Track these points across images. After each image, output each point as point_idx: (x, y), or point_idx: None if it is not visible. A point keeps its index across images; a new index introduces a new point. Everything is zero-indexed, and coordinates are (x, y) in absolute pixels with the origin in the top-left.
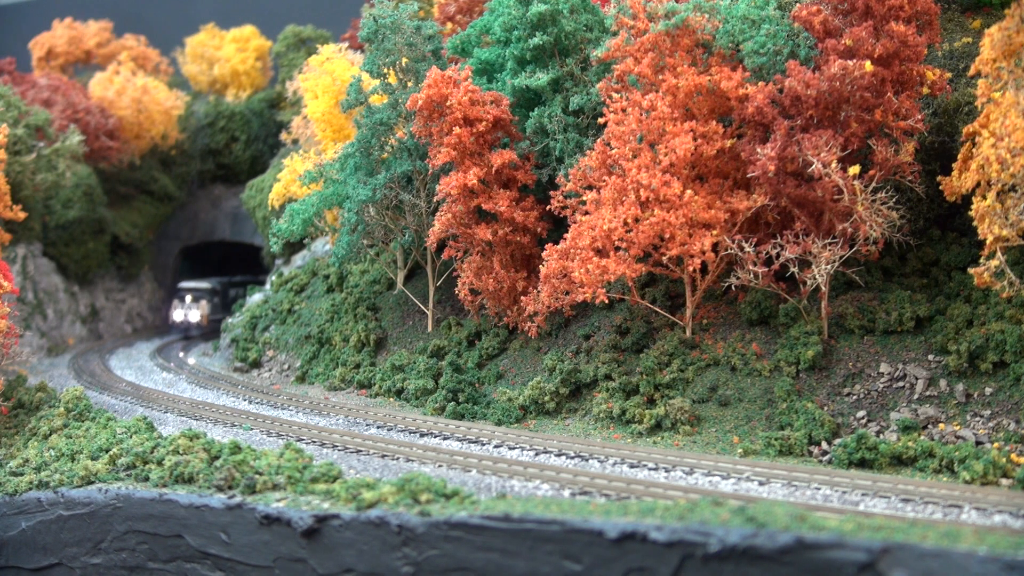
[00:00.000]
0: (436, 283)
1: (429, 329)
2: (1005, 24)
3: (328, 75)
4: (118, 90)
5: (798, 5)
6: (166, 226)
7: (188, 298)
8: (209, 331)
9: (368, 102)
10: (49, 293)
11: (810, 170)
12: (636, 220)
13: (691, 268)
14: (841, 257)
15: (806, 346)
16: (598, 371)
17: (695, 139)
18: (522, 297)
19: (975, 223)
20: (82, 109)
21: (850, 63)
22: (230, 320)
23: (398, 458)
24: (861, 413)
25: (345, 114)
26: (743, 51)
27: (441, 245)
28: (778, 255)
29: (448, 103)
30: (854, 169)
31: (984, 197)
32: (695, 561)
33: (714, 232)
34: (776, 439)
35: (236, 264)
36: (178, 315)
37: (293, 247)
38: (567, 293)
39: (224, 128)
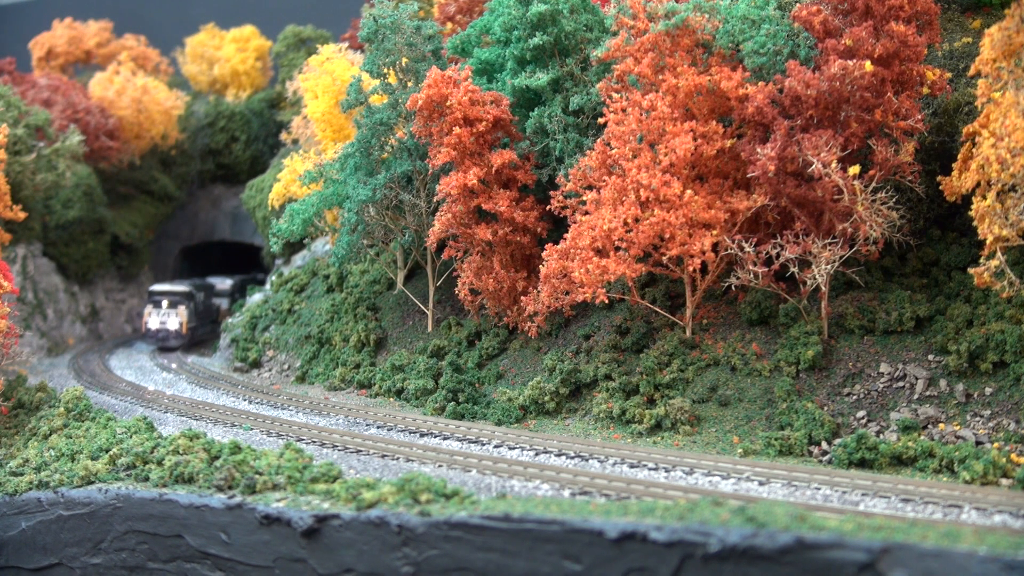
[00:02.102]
0: (436, 283)
1: (429, 329)
2: (1005, 24)
3: (328, 75)
4: (118, 90)
5: (798, 5)
6: (166, 226)
7: (164, 303)
8: (188, 341)
9: (368, 102)
10: (49, 293)
11: (810, 170)
12: (636, 220)
13: (691, 268)
14: (841, 257)
15: (806, 346)
16: (598, 371)
17: (695, 139)
18: (522, 297)
19: (975, 223)
20: (82, 109)
21: (850, 63)
22: (230, 320)
23: (398, 458)
24: (861, 413)
25: (345, 114)
26: (743, 51)
27: (441, 245)
28: (778, 255)
29: (448, 103)
30: (854, 169)
31: (984, 197)
32: (695, 561)
33: (714, 232)
34: (776, 439)
35: (236, 264)
36: (153, 322)
37: (293, 247)
38: (567, 293)
39: (224, 128)
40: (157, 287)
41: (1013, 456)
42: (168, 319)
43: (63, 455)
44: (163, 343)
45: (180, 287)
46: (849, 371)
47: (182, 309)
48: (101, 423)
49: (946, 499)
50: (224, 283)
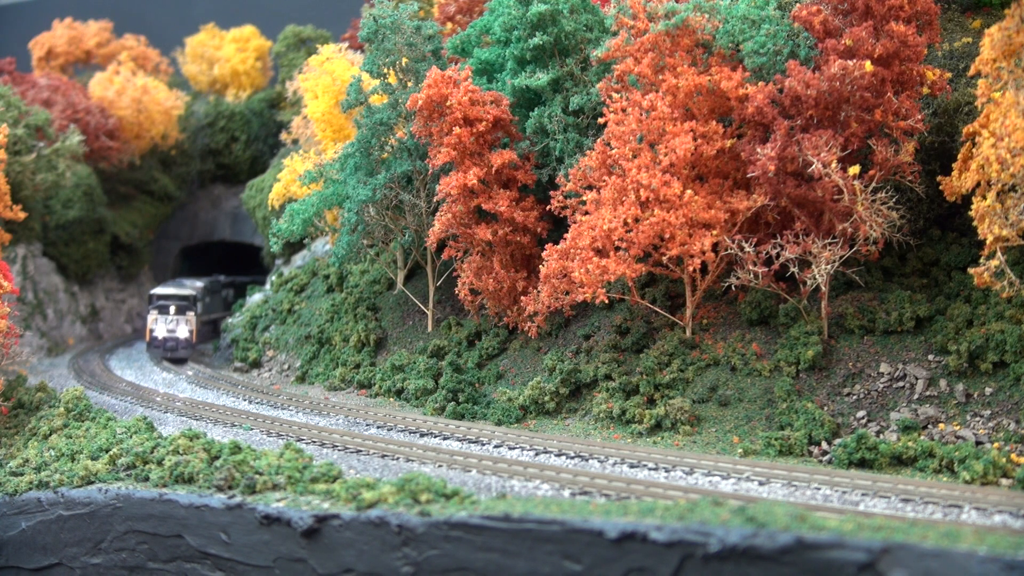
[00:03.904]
0: (436, 283)
1: (429, 329)
2: (1005, 24)
3: (328, 75)
4: (118, 90)
5: (798, 5)
6: (166, 226)
7: (172, 309)
8: (198, 350)
9: (368, 102)
10: (49, 293)
11: (810, 170)
12: (636, 220)
13: (691, 268)
14: (841, 257)
15: (806, 346)
16: (598, 371)
17: (695, 139)
18: (522, 297)
19: (975, 223)
20: (82, 109)
21: (850, 63)
22: (230, 320)
23: (398, 458)
24: (861, 413)
25: (345, 114)
26: (743, 51)
27: (441, 245)
28: (778, 255)
29: (448, 103)
30: (854, 169)
31: (984, 197)
32: (695, 561)
33: (714, 232)
34: (776, 439)
35: (237, 264)
36: (160, 330)
37: (293, 247)
38: (567, 293)
39: (224, 128)
40: (162, 290)
41: (1013, 456)
42: (177, 327)
43: (63, 455)
44: (172, 353)
45: (186, 290)
46: (849, 371)
47: (191, 315)
48: (101, 423)
49: (946, 499)
50: (194, 285)
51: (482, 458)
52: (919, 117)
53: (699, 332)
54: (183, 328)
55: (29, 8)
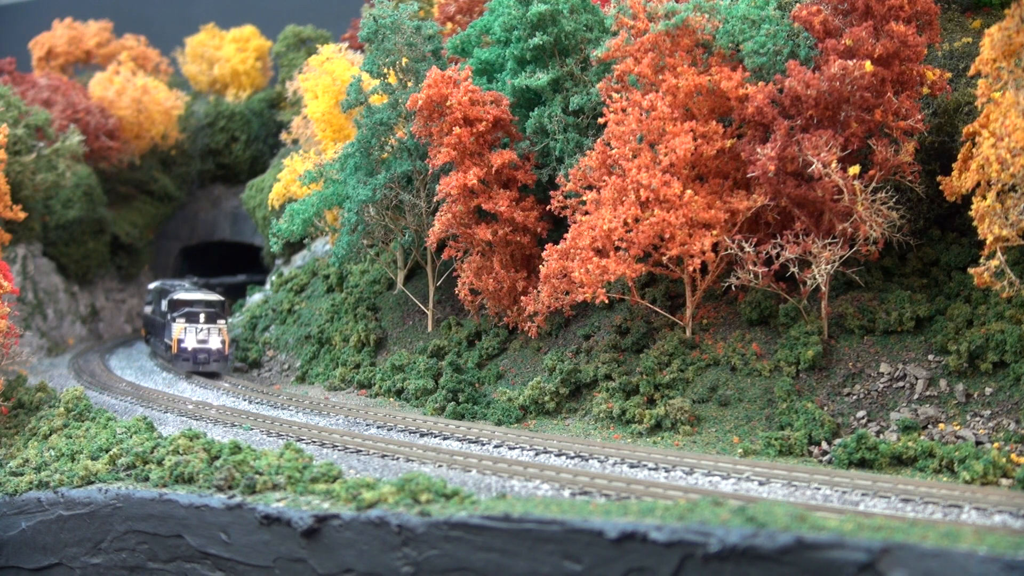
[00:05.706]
0: (436, 283)
1: (429, 329)
2: (1005, 24)
3: (328, 75)
4: (118, 90)
5: (798, 5)
6: (166, 226)
7: (202, 316)
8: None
9: (368, 102)
10: (49, 293)
11: (810, 170)
12: (636, 220)
13: (691, 268)
14: (841, 257)
15: (806, 346)
16: (598, 371)
17: (695, 139)
18: (522, 297)
19: (975, 223)
20: (82, 109)
21: (850, 63)
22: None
23: (398, 458)
24: (861, 413)
25: (345, 114)
26: (743, 51)
27: (441, 245)
28: (778, 255)
29: (448, 103)
30: (854, 169)
31: (984, 197)
32: (695, 561)
33: (714, 232)
34: (776, 439)
35: (236, 264)
36: (189, 340)
37: (293, 247)
38: (567, 293)
39: (224, 128)
40: (185, 295)
41: (1013, 456)
42: (209, 336)
43: (63, 455)
44: (204, 367)
45: (213, 295)
46: (849, 371)
47: (222, 324)
48: (101, 423)
49: (946, 499)
50: (175, 285)
51: (482, 458)
52: (919, 117)
53: (699, 332)
54: (215, 338)
55: (29, 8)
